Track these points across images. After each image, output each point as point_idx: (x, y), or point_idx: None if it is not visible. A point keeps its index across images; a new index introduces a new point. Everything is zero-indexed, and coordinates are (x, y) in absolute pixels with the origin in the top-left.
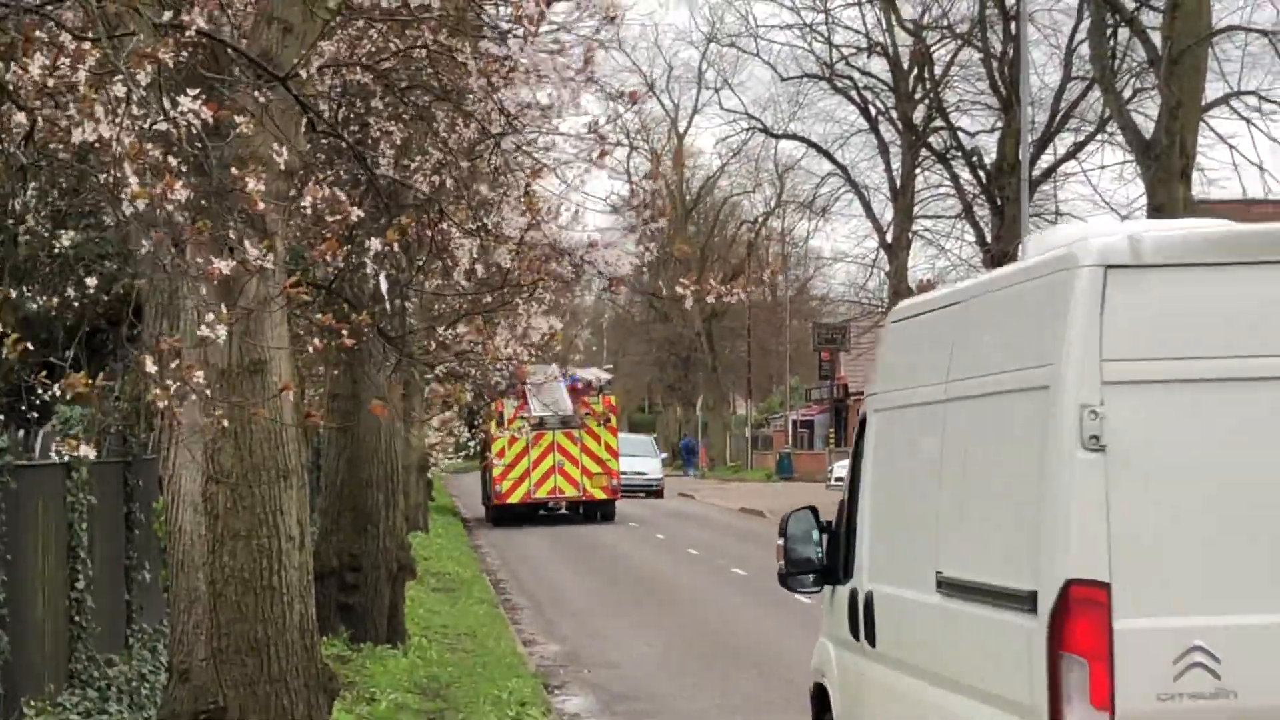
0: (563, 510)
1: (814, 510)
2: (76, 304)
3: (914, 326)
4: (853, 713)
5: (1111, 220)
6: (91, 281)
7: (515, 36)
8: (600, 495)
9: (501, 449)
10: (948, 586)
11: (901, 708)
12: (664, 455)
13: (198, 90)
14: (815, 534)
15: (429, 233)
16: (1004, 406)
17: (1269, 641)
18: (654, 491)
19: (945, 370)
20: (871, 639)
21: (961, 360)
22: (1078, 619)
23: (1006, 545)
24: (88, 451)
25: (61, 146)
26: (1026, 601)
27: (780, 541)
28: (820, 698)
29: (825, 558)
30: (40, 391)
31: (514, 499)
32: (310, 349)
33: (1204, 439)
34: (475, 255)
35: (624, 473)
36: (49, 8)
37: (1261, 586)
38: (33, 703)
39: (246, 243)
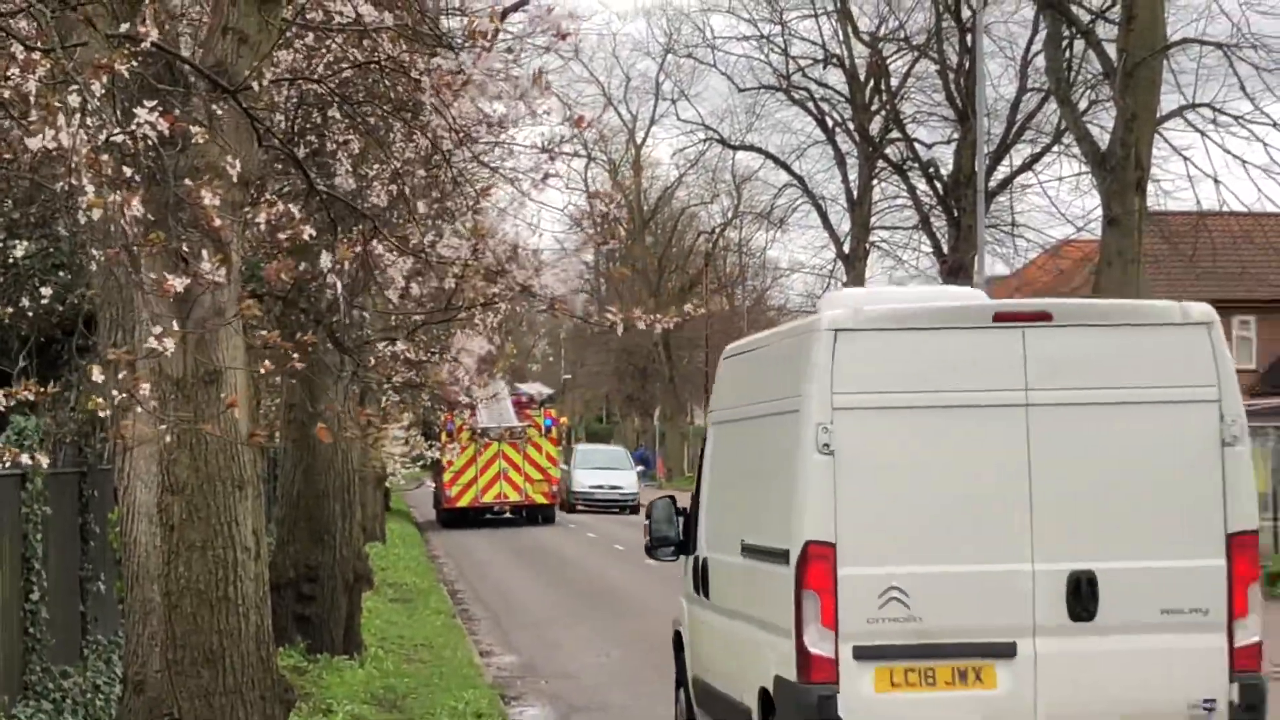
0: (507, 514)
1: (673, 499)
2: (30, 314)
3: (734, 363)
4: (694, 647)
5: (864, 291)
6: (46, 292)
7: (469, 50)
8: (541, 500)
9: (449, 460)
10: (746, 550)
11: (722, 639)
12: (640, 468)
13: (154, 102)
14: (674, 517)
15: (359, 250)
16: (776, 424)
17: (941, 583)
18: (629, 507)
19: (749, 397)
20: (706, 593)
21: (756, 390)
22: (813, 567)
23: (774, 519)
24: (28, 460)
25: (13, 156)
26: (784, 557)
27: (646, 523)
28: (678, 640)
29: (681, 535)
30: None
31: (463, 503)
32: (261, 370)
33: (899, 446)
34: (407, 275)
35: (596, 486)
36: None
37: (937, 547)
38: None
39: (204, 253)
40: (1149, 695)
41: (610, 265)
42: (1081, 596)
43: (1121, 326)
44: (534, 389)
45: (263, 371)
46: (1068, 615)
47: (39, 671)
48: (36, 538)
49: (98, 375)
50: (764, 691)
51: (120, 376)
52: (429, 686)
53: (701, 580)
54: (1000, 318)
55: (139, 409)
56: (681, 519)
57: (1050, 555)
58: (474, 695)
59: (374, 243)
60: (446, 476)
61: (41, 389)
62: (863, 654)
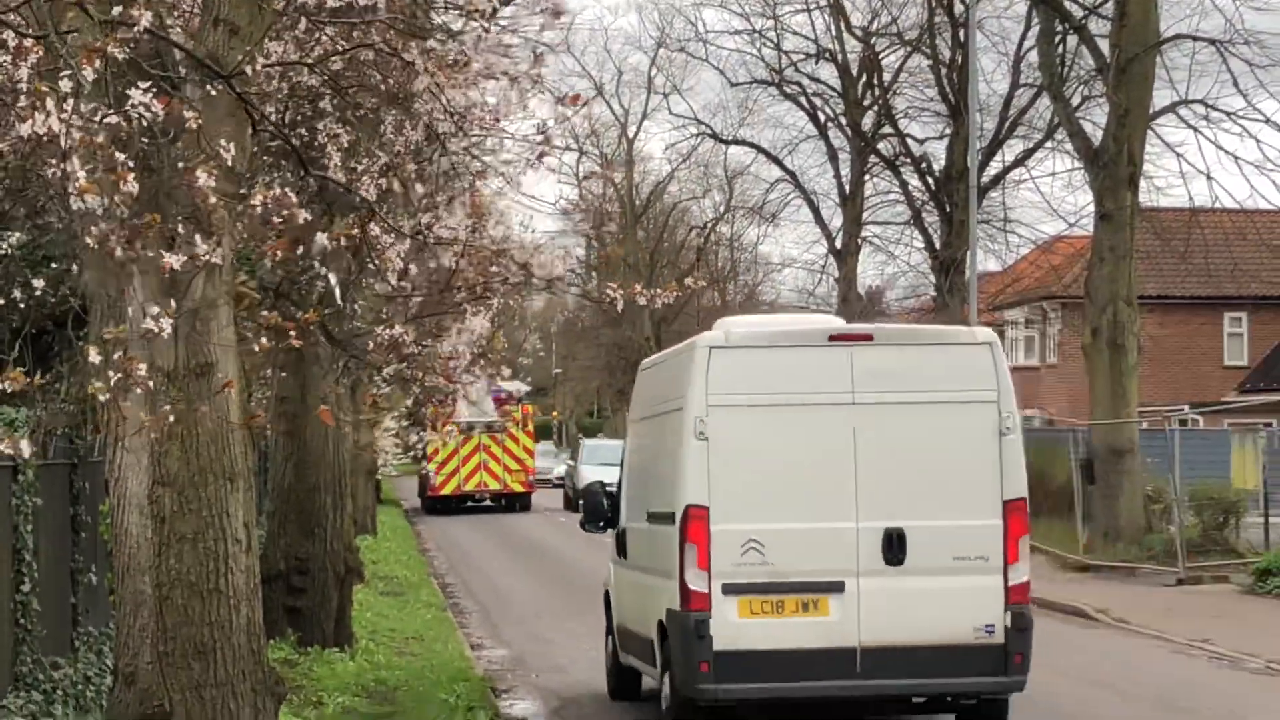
0: (487, 501)
1: (603, 484)
2: (22, 306)
3: (645, 375)
4: (617, 600)
5: (744, 318)
6: (38, 283)
7: (466, 33)
8: (518, 488)
9: (435, 449)
10: (649, 517)
11: (633, 590)
12: None
13: (148, 84)
14: (602, 498)
15: (355, 234)
16: (669, 419)
17: (788, 537)
18: None
19: (653, 400)
20: (624, 555)
21: (658, 395)
22: (692, 524)
23: (666, 491)
24: (25, 449)
25: (5, 144)
26: (672, 519)
27: (581, 501)
28: (607, 598)
29: (609, 511)
30: None
31: (446, 490)
32: (256, 348)
33: (756, 434)
34: (404, 258)
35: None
36: None
37: (784, 509)
38: None
39: (197, 237)
40: (945, 621)
41: (603, 247)
42: (893, 547)
43: (926, 345)
44: (512, 386)
45: (258, 350)
46: (883, 561)
47: (30, 662)
48: (27, 529)
49: (95, 356)
50: (660, 623)
51: (116, 357)
52: (420, 679)
53: (621, 545)
54: (833, 338)
55: (137, 390)
56: (608, 500)
57: (870, 516)
58: (465, 688)
59: (371, 225)
60: (432, 466)
61: (29, 379)
62: (729, 589)
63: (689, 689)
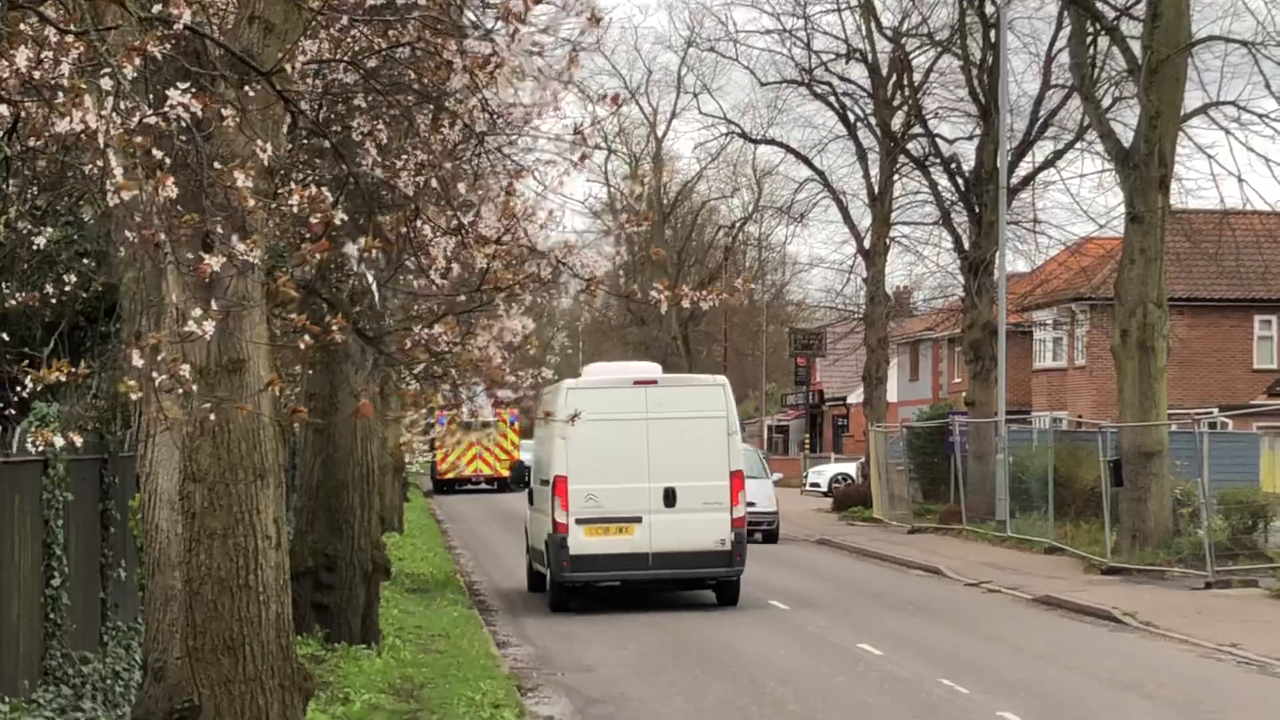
0: (482, 484)
1: (523, 463)
2: (55, 301)
3: (543, 396)
4: (528, 530)
5: (599, 365)
6: (70, 279)
7: (501, 34)
8: (504, 473)
9: (441, 443)
10: (540, 482)
11: (534, 523)
12: (778, 476)
13: (187, 84)
14: (524, 471)
15: (404, 230)
16: (550, 427)
17: (611, 492)
18: (768, 532)
19: (544, 414)
20: (531, 503)
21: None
22: (559, 485)
23: (546, 468)
24: (59, 441)
25: (44, 141)
26: (549, 483)
27: (509, 472)
28: (525, 530)
29: (525, 478)
30: (18, 387)
31: (450, 475)
32: (301, 346)
33: (593, 437)
34: (450, 255)
35: None
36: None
37: (609, 476)
38: (7, 699)
39: (233, 237)
40: (699, 538)
41: (642, 249)
42: (669, 498)
43: (686, 386)
44: (505, 394)
45: (300, 348)
46: (664, 505)
47: (59, 657)
48: (58, 524)
49: (137, 359)
50: (545, 541)
51: (160, 359)
52: (446, 677)
53: (530, 498)
54: (636, 383)
55: (179, 390)
56: (526, 472)
57: (656, 480)
58: (491, 686)
59: (418, 222)
60: (438, 455)
61: (73, 370)
62: (579, 521)
63: (558, 576)
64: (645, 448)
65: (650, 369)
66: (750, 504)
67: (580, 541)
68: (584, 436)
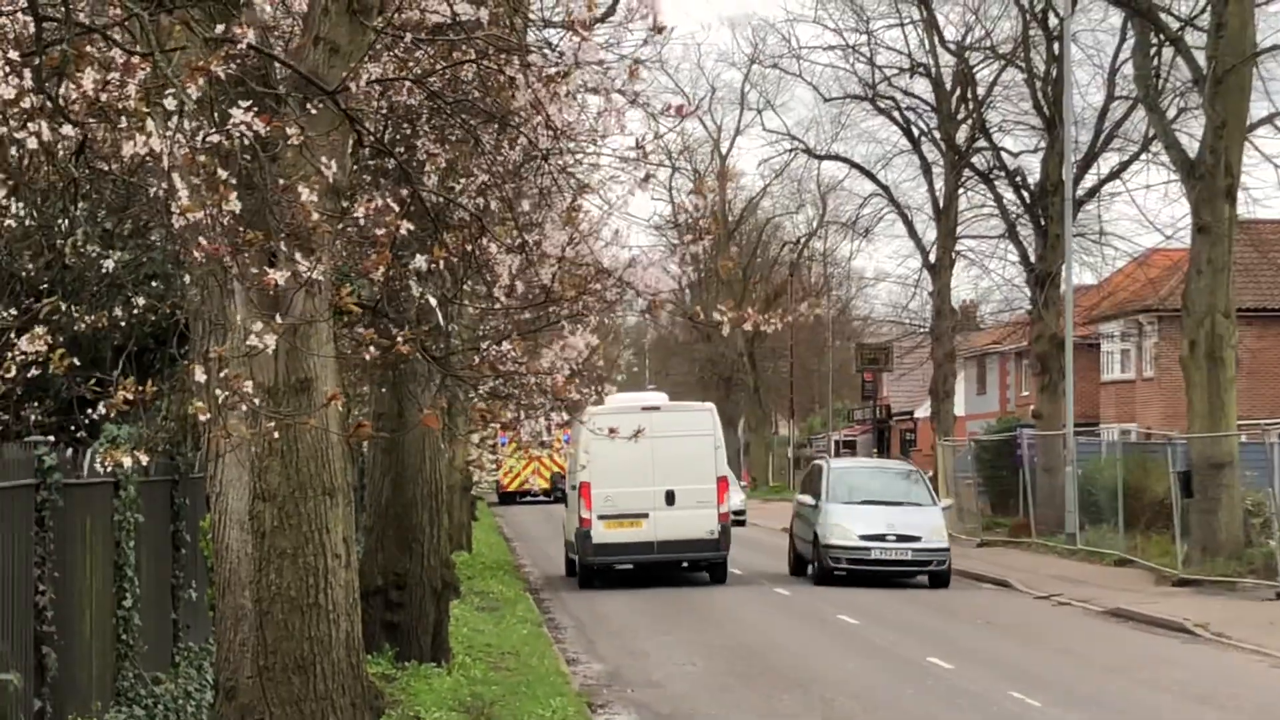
0: (539, 496)
1: (559, 474)
2: (124, 324)
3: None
4: (564, 525)
5: (618, 395)
6: (139, 301)
7: (566, 46)
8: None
9: (502, 460)
10: (570, 488)
11: (568, 520)
12: (948, 503)
13: (249, 103)
14: (561, 479)
15: (469, 249)
16: (577, 445)
17: (624, 495)
18: (937, 575)
19: (576, 437)
20: (565, 504)
21: (576, 435)
22: (584, 489)
23: (575, 476)
24: (128, 461)
25: (111, 163)
26: (576, 489)
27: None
28: (563, 526)
29: (561, 489)
30: (88, 409)
31: (511, 488)
32: (363, 360)
33: (611, 451)
34: (515, 272)
35: (872, 540)
36: (100, 22)
37: (624, 481)
38: None
39: (297, 255)
40: (693, 529)
41: (707, 265)
42: (670, 498)
43: (681, 411)
44: (556, 418)
45: (367, 361)
46: (665, 504)
47: (131, 678)
48: (129, 545)
49: (200, 375)
50: (575, 534)
51: (222, 375)
52: (516, 694)
53: (565, 501)
54: (643, 409)
55: (243, 407)
56: (562, 479)
57: (659, 484)
58: (561, 703)
59: (484, 240)
60: (500, 472)
61: (140, 388)
62: (600, 518)
63: (585, 560)
64: (651, 459)
65: (656, 398)
66: (910, 536)
67: (601, 533)
68: (602, 452)
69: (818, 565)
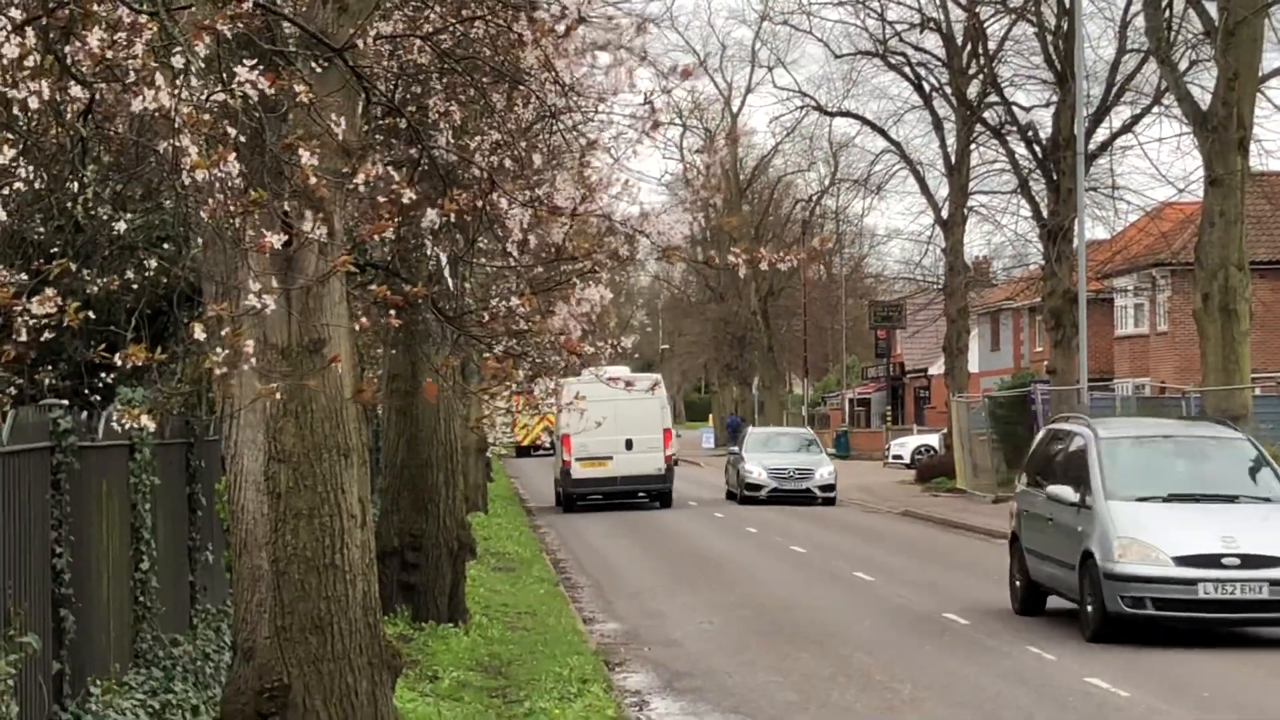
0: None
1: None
2: (136, 286)
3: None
4: (554, 468)
5: (589, 371)
6: (151, 264)
7: (573, 2)
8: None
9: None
10: (551, 440)
11: (555, 465)
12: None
13: (255, 61)
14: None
15: (480, 204)
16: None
17: (595, 442)
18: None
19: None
20: (552, 451)
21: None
22: (565, 439)
23: (559, 429)
24: (147, 422)
25: (119, 122)
26: (559, 440)
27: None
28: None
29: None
30: (102, 373)
31: (525, 443)
32: (358, 326)
33: (588, 415)
34: (526, 226)
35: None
36: None
37: (593, 434)
38: (99, 682)
39: (306, 214)
40: (647, 467)
41: (710, 219)
42: (629, 445)
43: (639, 382)
44: (652, 377)
45: (360, 327)
46: (625, 449)
47: (149, 640)
48: (145, 507)
49: (200, 333)
50: (560, 471)
51: (223, 334)
52: (533, 653)
53: (553, 448)
54: (609, 380)
55: (246, 367)
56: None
57: (622, 434)
58: (578, 661)
59: (494, 196)
60: (520, 430)
61: (149, 354)
62: (578, 460)
63: (567, 490)
64: (614, 417)
65: (619, 370)
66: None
67: (578, 470)
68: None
69: (1095, 609)
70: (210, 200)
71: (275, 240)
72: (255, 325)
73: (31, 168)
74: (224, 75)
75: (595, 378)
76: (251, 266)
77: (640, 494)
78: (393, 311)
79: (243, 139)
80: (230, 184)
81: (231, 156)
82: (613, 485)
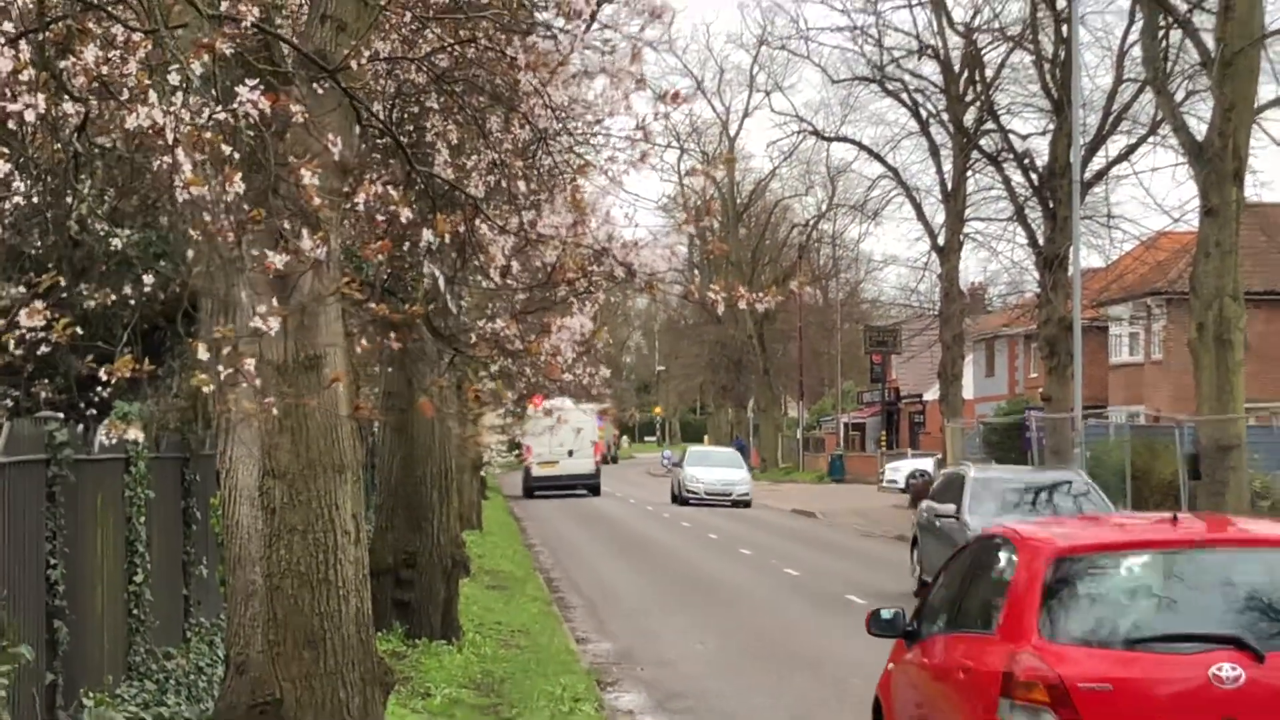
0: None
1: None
2: (133, 302)
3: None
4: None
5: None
6: (148, 280)
7: (565, 32)
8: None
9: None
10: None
11: (519, 474)
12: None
13: (256, 81)
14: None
15: (462, 230)
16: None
17: (548, 452)
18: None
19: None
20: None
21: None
22: (527, 449)
23: (524, 443)
24: (135, 435)
25: (114, 137)
26: (523, 448)
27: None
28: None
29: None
30: (99, 387)
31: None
32: (359, 348)
33: (539, 428)
34: (508, 253)
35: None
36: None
37: (548, 449)
38: (92, 694)
39: (304, 233)
40: (581, 469)
41: (707, 242)
42: (571, 453)
43: (579, 411)
44: (591, 407)
45: (361, 349)
46: (568, 455)
47: (143, 652)
48: (140, 521)
49: (203, 353)
50: (524, 470)
51: (225, 353)
52: (526, 672)
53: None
54: (558, 409)
55: (245, 385)
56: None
57: (565, 446)
58: (571, 680)
59: (476, 221)
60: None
61: (138, 367)
62: (536, 461)
63: (526, 484)
64: (560, 434)
65: (565, 402)
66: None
67: (536, 470)
68: (536, 431)
69: (681, 496)
70: (204, 217)
71: (278, 260)
72: (251, 343)
73: (28, 182)
74: (220, 93)
75: (551, 408)
76: (248, 288)
77: (579, 488)
78: (393, 334)
79: (237, 156)
80: (228, 203)
81: (238, 176)
82: (559, 481)
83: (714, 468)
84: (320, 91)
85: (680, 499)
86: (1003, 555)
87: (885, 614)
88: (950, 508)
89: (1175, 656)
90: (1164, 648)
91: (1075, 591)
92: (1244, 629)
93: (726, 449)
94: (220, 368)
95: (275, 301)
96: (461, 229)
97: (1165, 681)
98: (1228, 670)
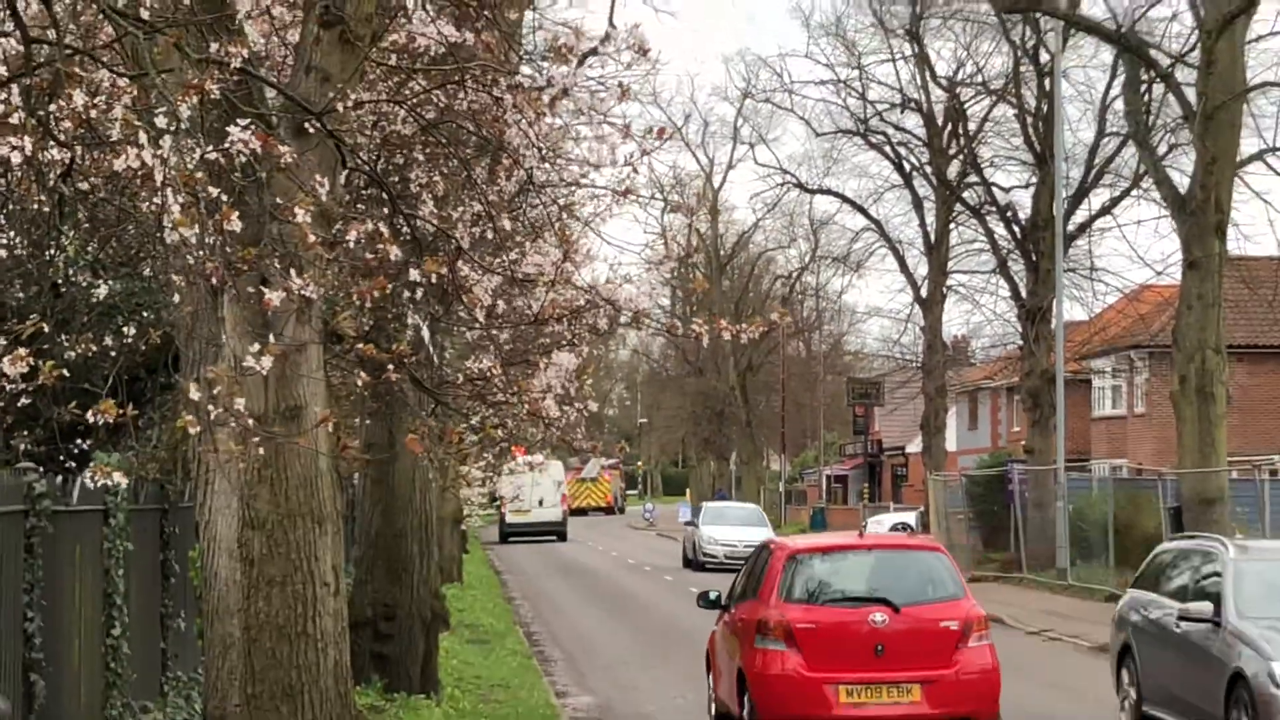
0: (589, 512)
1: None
2: (115, 353)
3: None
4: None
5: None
6: (130, 330)
7: (554, 77)
8: (603, 504)
9: (505, 500)
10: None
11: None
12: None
13: (247, 121)
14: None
15: (446, 273)
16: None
17: (523, 500)
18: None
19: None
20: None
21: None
22: (502, 501)
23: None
24: (120, 479)
25: (100, 181)
26: (499, 499)
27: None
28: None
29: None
30: (78, 439)
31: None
32: (355, 389)
33: (516, 484)
34: (493, 293)
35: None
36: (91, 45)
37: (520, 495)
38: None
39: (291, 272)
40: (551, 517)
41: (689, 282)
42: (541, 503)
43: (548, 466)
44: (602, 462)
45: (358, 388)
46: (539, 505)
47: (119, 706)
48: (118, 573)
49: (194, 393)
50: (500, 518)
51: (215, 392)
52: None
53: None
54: (530, 466)
55: (233, 423)
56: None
57: (536, 497)
58: None
59: (459, 264)
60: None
61: (122, 412)
62: (511, 510)
63: (502, 529)
64: (531, 486)
65: (540, 459)
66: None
67: (510, 517)
68: (512, 485)
69: (698, 560)
70: (190, 259)
71: (275, 298)
72: (234, 388)
73: (13, 233)
74: (208, 135)
75: (528, 462)
76: (231, 329)
77: (549, 534)
78: (380, 373)
79: (225, 199)
80: (216, 244)
81: (234, 215)
82: (531, 527)
83: (734, 526)
84: (306, 135)
85: (696, 563)
86: (766, 554)
87: (711, 595)
88: (1203, 607)
89: (850, 609)
90: (845, 604)
91: (799, 574)
92: (888, 593)
93: (748, 505)
94: (210, 407)
95: (256, 345)
96: (444, 271)
97: (844, 624)
98: (879, 616)
